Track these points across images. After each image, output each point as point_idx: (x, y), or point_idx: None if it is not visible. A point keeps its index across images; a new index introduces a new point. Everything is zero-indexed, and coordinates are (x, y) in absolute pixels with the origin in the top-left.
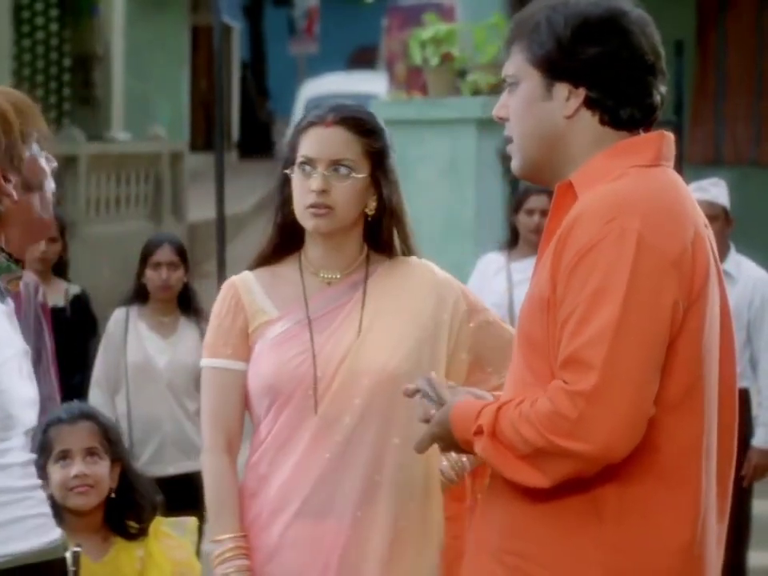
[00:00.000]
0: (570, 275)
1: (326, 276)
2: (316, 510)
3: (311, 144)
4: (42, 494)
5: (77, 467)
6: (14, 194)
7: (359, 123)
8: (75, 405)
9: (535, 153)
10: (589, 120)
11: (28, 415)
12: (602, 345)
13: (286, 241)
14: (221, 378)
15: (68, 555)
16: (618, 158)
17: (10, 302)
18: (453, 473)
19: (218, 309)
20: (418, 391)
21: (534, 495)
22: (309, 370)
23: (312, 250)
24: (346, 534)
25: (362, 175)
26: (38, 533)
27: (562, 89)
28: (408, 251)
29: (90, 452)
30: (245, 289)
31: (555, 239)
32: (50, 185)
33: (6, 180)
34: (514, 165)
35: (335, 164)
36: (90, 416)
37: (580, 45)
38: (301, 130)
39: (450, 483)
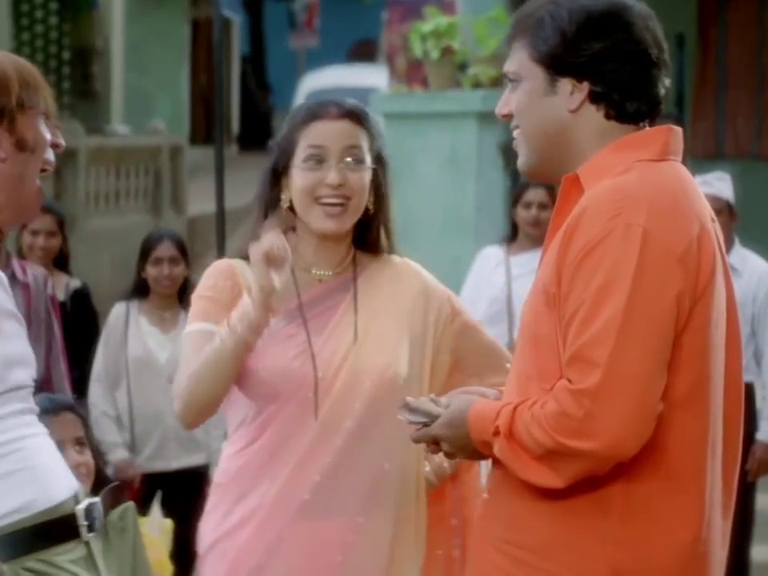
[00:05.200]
0: (576, 271)
1: (317, 273)
2: (317, 513)
3: (320, 135)
4: (39, 442)
5: (72, 458)
6: (1, 152)
7: (363, 116)
8: (52, 396)
9: (542, 148)
10: (594, 114)
11: (13, 373)
12: (606, 342)
13: None
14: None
15: (79, 509)
16: (624, 152)
17: None
18: (434, 477)
19: (213, 283)
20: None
21: (539, 491)
22: (309, 371)
23: (304, 246)
24: (348, 538)
25: (370, 166)
26: (35, 486)
27: (565, 84)
28: (391, 249)
29: (79, 442)
30: (242, 274)
31: (561, 234)
32: (48, 156)
33: None
34: (521, 161)
35: (348, 152)
36: (71, 407)
37: (585, 40)
38: (300, 124)
39: (430, 487)
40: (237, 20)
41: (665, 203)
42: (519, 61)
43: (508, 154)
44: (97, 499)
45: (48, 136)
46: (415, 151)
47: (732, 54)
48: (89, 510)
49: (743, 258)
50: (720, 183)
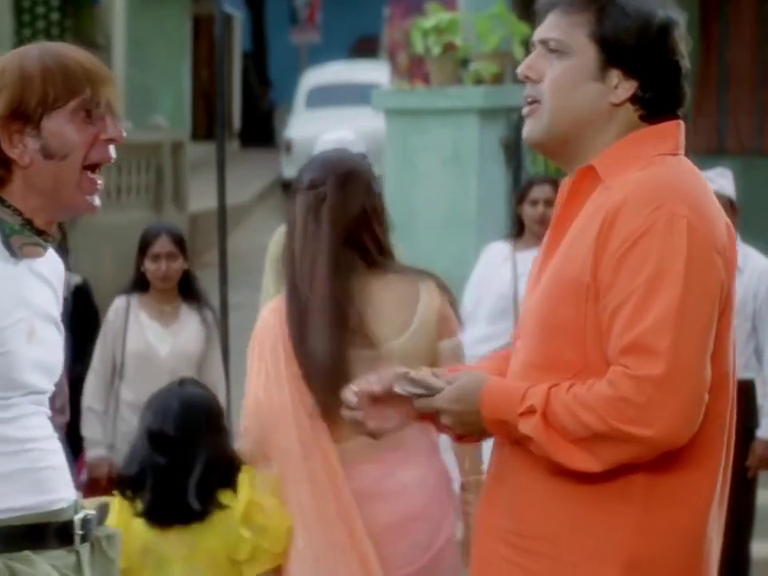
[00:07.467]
0: (620, 262)
1: None
2: None
3: None
4: (49, 445)
5: None
6: (23, 156)
7: None
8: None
9: (565, 129)
10: (631, 113)
11: (35, 378)
12: (665, 331)
13: None
14: None
15: (77, 518)
16: (645, 145)
17: (39, 261)
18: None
19: None
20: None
21: (556, 476)
22: None
23: None
24: None
25: None
26: (40, 488)
27: (613, 74)
28: None
29: None
30: None
31: (594, 225)
32: (99, 153)
33: (13, 143)
34: (533, 130)
35: None
36: None
37: (663, 44)
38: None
39: None
40: (238, 16)
41: (700, 195)
42: (572, 34)
43: (510, 150)
44: (92, 511)
45: (90, 131)
46: (417, 147)
47: (734, 51)
48: (84, 521)
49: (744, 254)
50: (722, 179)
